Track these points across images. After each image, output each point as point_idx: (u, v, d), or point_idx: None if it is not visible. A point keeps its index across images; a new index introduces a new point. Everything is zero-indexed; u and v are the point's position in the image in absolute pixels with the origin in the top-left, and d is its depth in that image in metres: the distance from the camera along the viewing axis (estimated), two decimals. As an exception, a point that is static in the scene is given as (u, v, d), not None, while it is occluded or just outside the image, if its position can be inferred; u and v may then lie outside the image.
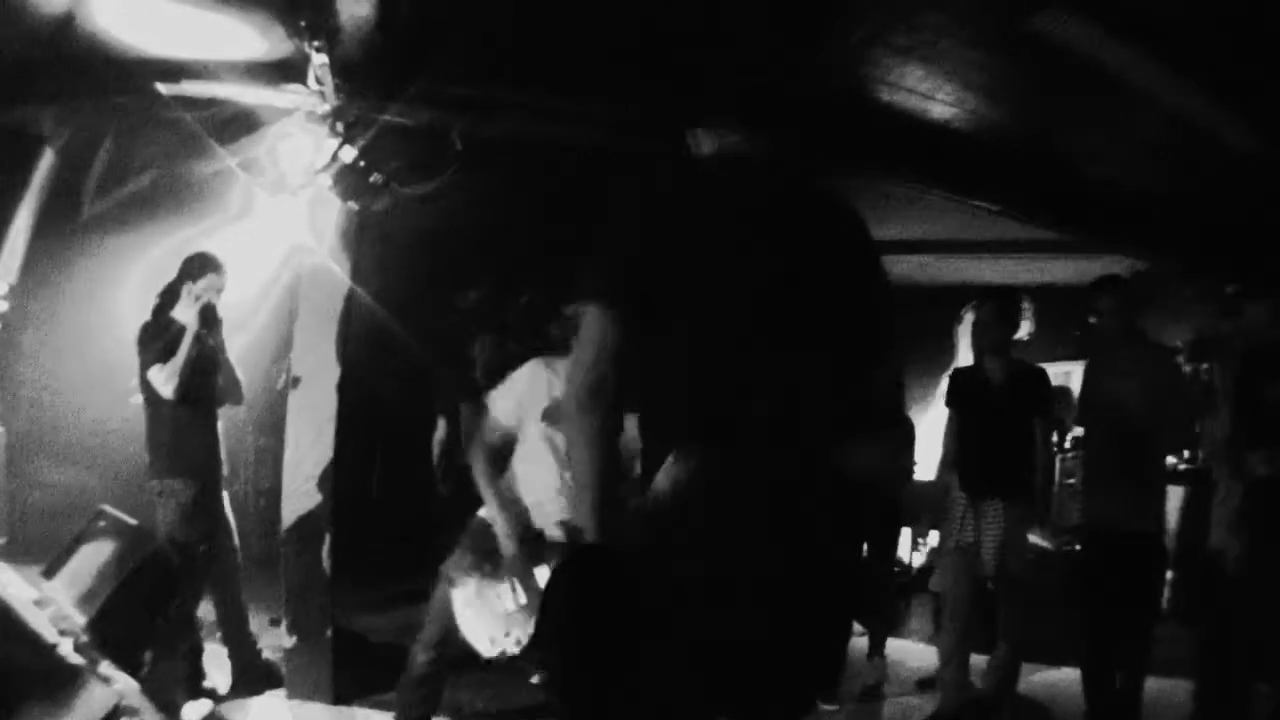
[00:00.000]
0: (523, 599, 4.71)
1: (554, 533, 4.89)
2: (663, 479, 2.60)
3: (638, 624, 2.48)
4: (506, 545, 4.77)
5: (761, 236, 2.70)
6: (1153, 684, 5.87)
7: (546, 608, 2.61)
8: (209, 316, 5.94)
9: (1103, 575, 5.80)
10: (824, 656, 2.84)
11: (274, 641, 6.32)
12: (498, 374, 5.24)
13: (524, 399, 4.96)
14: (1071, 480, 7.93)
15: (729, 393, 2.63)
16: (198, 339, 5.78)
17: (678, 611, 2.49)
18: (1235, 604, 5.53)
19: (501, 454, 5.01)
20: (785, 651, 2.66)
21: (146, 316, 5.99)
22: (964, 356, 8.97)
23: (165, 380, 5.73)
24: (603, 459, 2.53)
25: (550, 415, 4.89)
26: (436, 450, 7.54)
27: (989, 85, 6.15)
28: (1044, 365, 6.39)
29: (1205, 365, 6.72)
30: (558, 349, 4.96)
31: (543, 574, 4.70)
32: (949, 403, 6.41)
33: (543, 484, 4.91)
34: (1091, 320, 5.98)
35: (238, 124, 6.07)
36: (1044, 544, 6.90)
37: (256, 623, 6.37)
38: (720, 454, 2.58)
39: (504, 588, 4.76)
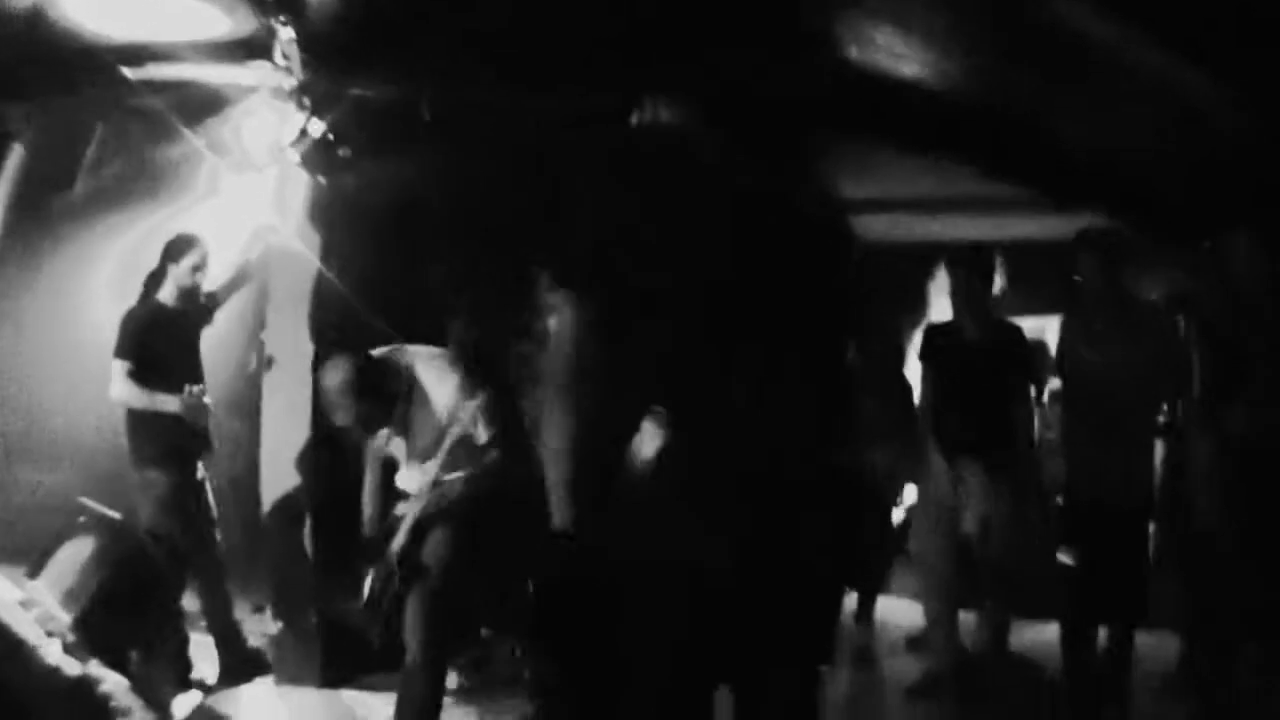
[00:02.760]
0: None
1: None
2: (638, 453, 2.55)
3: (624, 614, 2.46)
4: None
5: (729, 210, 2.64)
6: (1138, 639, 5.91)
7: (534, 617, 2.59)
8: (193, 298, 5.95)
9: (1084, 531, 5.79)
10: (820, 624, 2.82)
11: (259, 628, 6.27)
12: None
13: None
14: (1050, 434, 7.91)
15: (706, 365, 2.56)
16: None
17: (666, 593, 2.45)
18: (1213, 560, 5.55)
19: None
20: (781, 622, 2.62)
21: (122, 305, 5.93)
22: (937, 313, 9.00)
23: (120, 382, 5.71)
24: (578, 453, 2.47)
25: None
26: None
27: (962, 45, 6.10)
28: (1018, 320, 6.38)
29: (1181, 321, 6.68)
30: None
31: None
32: (922, 358, 6.36)
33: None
34: (1076, 278, 5.96)
35: (204, 105, 5.96)
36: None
37: (240, 609, 6.30)
38: (697, 424, 2.51)
39: None
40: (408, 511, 4.97)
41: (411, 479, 5.09)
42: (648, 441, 2.50)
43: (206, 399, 5.94)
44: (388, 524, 5.15)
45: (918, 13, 5.70)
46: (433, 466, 4.89)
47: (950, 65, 6.27)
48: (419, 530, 4.90)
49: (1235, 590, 5.42)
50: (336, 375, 4.99)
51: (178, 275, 5.91)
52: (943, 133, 6.95)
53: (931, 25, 5.84)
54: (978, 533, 5.91)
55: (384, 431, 5.12)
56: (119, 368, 5.73)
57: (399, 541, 4.90)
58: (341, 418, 5.05)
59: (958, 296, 6.19)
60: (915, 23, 5.80)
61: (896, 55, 6.16)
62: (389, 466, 5.28)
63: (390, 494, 5.29)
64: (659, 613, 2.47)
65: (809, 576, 2.66)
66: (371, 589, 5.05)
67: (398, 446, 5.16)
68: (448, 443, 4.87)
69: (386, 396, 4.98)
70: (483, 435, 4.88)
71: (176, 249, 5.95)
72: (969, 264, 6.21)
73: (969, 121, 6.88)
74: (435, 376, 5.05)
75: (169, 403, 5.78)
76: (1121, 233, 6.25)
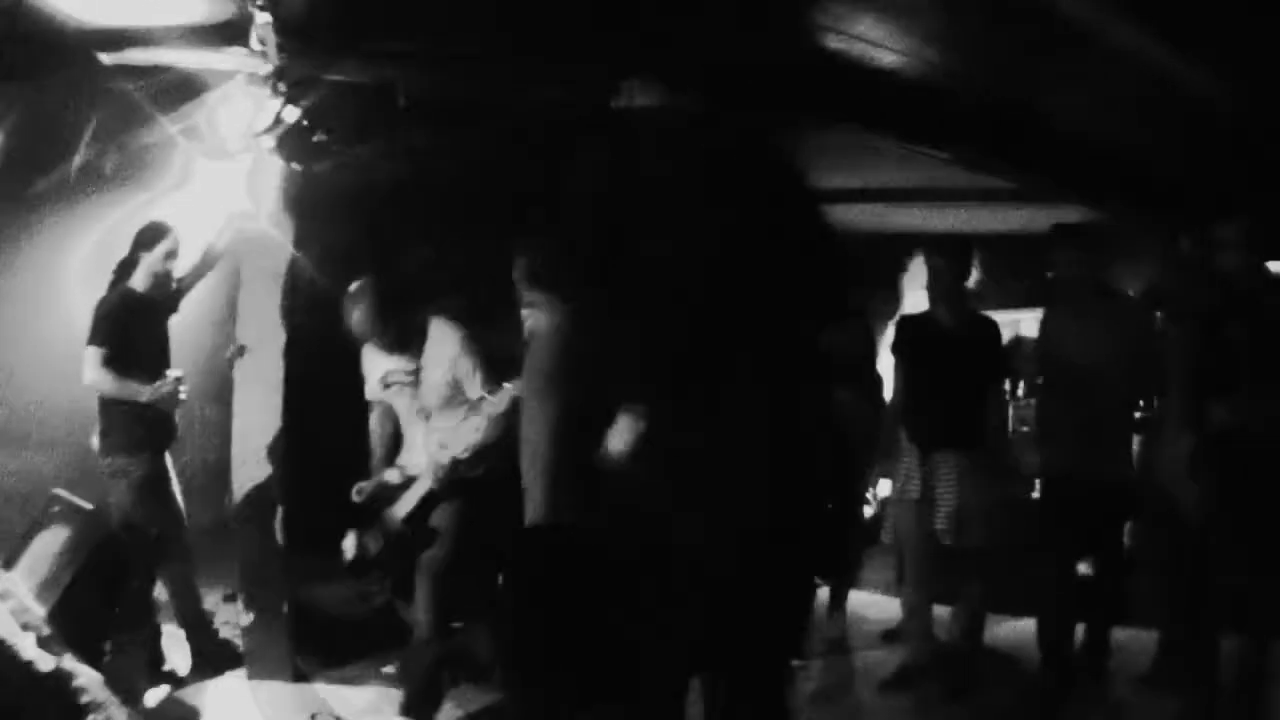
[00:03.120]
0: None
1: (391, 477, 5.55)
2: (616, 442, 2.52)
3: (595, 601, 2.47)
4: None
5: (704, 191, 2.62)
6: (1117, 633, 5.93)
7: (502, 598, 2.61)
8: (165, 285, 5.96)
9: (1062, 525, 5.80)
10: (794, 612, 2.86)
11: (230, 618, 6.22)
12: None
13: (370, 379, 5.75)
14: (1025, 428, 7.93)
15: (684, 352, 2.55)
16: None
17: (641, 580, 2.46)
18: (1196, 553, 5.56)
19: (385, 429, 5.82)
20: (756, 609, 2.63)
21: (96, 292, 5.92)
22: (910, 304, 9.00)
23: (94, 369, 5.69)
24: (561, 449, 2.49)
25: (385, 384, 5.60)
26: None
27: (942, 33, 6.06)
28: (993, 314, 6.37)
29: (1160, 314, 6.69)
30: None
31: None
32: (895, 350, 6.33)
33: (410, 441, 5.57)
34: (1050, 273, 5.97)
35: (179, 91, 5.87)
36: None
37: (211, 600, 6.25)
38: (673, 412, 2.52)
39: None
40: (418, 479, 5.24)
41: (414, 435, 5.45)
42: (622, 433, 2.49)
43: (183, 387, 5.90)
44: (380, 489, 5.47)
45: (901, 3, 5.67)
46: (439, 425, 5.19)
47: (930, 53, 6.21)
48: (431, 500, 5.15)
49: (1216, 584, 5.43)
50: (364, 294, 5.41)
51: (150, 262, 5.90)
52: (920, 122, 6.92)
53: (913, 13, 5.80)
54: (952, 526, 5.90)
55: (393, 383, 5.50)
56: (92, 354, 5.70)
57: (405, 508, 5.19)
58: (366, 334, 5.47)
59: (934, 289, 6.15)
60: (896, 10, 5.77)
61: (875, 44, 6.12)
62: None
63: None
64: (634, 603, 2.47)
65: (784, 567, 2.67)
66: (363, 551, 5.38)
67: (401, 402, 5.48)
68: (447, 396, 5.23)
69: (409, 323, 5.33)
70: (474, 391, 5.13)
71: (149, 236, 5.94)
72: (947, 256, 6.16)
73: (947, 111, 6.85)
74: (440, 334, 5.34)
75: (141, 392, 5.74)
76: (1099, 225, 6.26)
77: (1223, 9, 5.31)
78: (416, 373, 5.40)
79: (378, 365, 5.65)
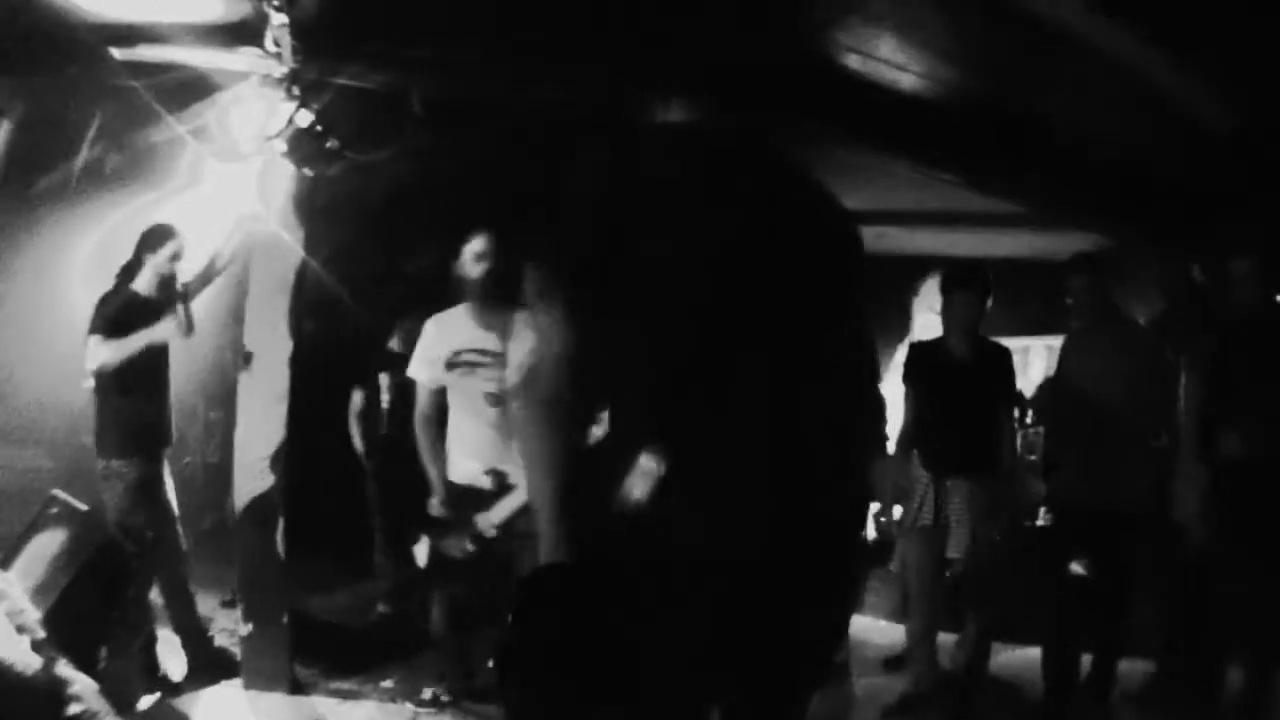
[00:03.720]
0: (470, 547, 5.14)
1: (482, 483, 5.19)
2: (633, 493, 2.46)
3: (608, 641, 2.39)
4: (434, 505, 5.30)
5: (722, 208, 2.55)
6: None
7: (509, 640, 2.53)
8: (170, 288, 5.85)
9: (1072, 555, 5.75)
10: (823, 635, 2.81)
11: (228, 624, 6.14)
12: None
13: (430, 357, 5.33)
14: (1033, 456, 7.88)
15: (697, 376, 2.48)
16: (149, 342, 5.71)
17: (661, 611, 2.39)
18: (1203, 585, 5.53)
19: (437, 420, 5.37)
20: (778, 643, 2.58)
21: (99, 290, 5.81)
22: (920, 329, 8.95)
23: (99, 354, 5.59)
24: (562, 452, 2.44)
25: (455, 363, 5.27)
26: (355, 423, 7.39)
27: (962, 56, 6.03)
28: (1001, 339, 6.32)
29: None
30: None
31: (483, 522, 5.11)
32: (907, 378, 6.27)
33: (466, 433, 5.28)
34: (1068, 300, 5.92)
35: (190, 90, 5.82)
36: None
37: (209, 605, 6.18)
38: (693, 448, 2.45)
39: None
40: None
41: (478, 427, 5.23)
42: (642, 480, 2.42)
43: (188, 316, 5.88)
44: (465, 495, 5.24)
45: (919, 22, 5.63)
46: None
47: (946, 75, 6.19)
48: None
49: (1221, 611, 5.46)
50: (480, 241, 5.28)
51: (156, 264, 5.81)
52: (936, 145, 6.89)
53: (930, 34, 5.77)
54: (963, 552, 5.84)
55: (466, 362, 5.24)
56: (94, 341, 5.61)
57: (502, 514, 5.06)
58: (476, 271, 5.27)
59: (951, 315, 6.09)
60: (917, 32, 5.73)
61: (894, 65, 6.09)
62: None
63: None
64: (657, 636, 2.40)
65: (808, 600, 2.60)
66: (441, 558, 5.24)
67: (471, 384, 5.24)
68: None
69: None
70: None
71: (154, 239, 5.85)
72: (967, 283, 6.09)
73: (964, 134, 6.82)
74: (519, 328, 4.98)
75: (152, 333, 5.70)
76: (1115, 253, 6.23)
77: (1231, 23, 5.30)
78: (494, 356, 5.20)
79: (447, 339, 5.38)
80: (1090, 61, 5.74)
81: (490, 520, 5.10)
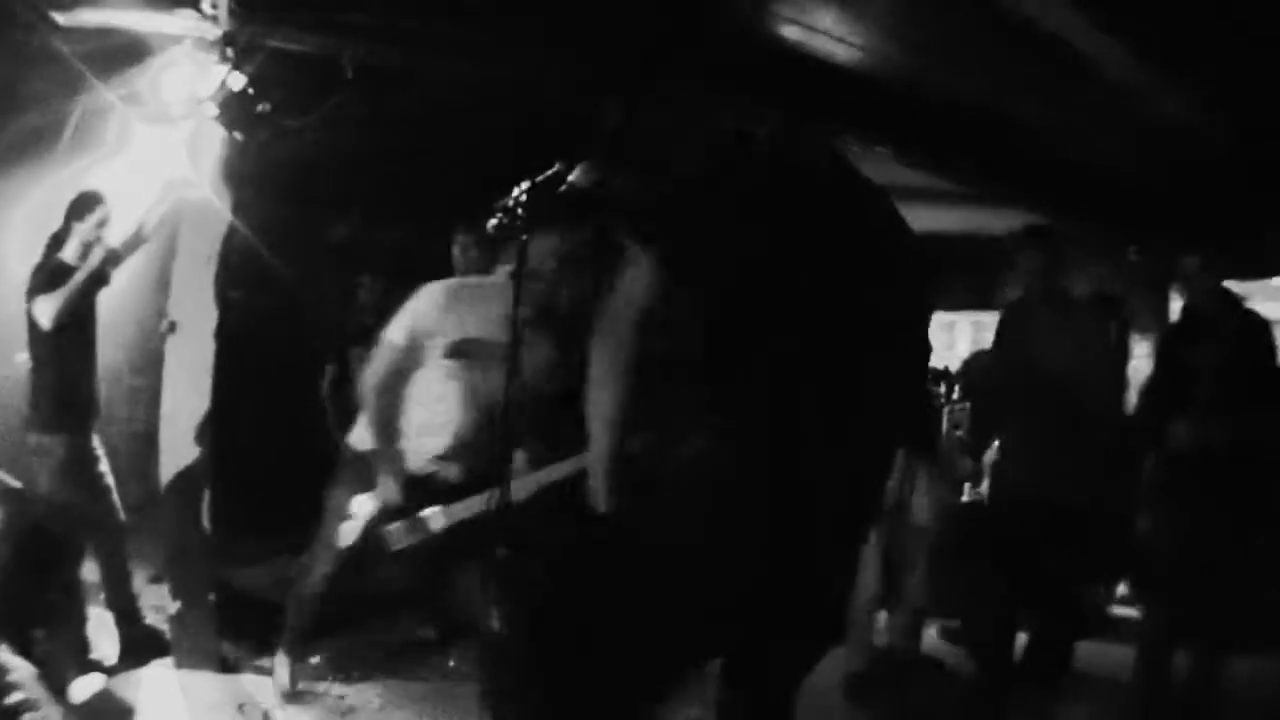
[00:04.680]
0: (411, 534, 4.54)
1: (442, 471, 4.89)
2: (679, 456, 2.47)
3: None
4: (386, 488, 4.79)
5: (799, 218, 2.57)
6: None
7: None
8: (95, 255, 5.68)
9: (1008, 540, 5.73)
10: (828, 608, 2.91)
11: (156, 601, 6.04)
12: (387, 314, 4.96)
13: (420, 328, 4.80)
14: (959, 431, 7.91)
15: (750, 362, 2.56)
16: (91, 276, 5.59)
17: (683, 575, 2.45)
18: (1156, 571, 5.65)
19: (395, 389, 4.85)
20: (795, 602, 2.66)
21: (30, 257, 5.71)
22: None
23: (48, 308, 5.45)
24: (626, 398, 2.49)
25: (459, 352, 4.77)
26: (327, 396, 7.32)
27: (904, 30, 6.01)
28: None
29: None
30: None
31: (436, 514, 4.53)
32: None
33: (437, 422, 4.87)
34: (1013, 275, 5.90)
35: (124, 54, 5.67)
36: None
37: (138, 581, 6.05)
38: (746, 432, 2.52)
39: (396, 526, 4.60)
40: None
41: (464, 417, 4.87)
42: (690, 445, 2.44)
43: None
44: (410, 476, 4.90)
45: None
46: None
47: (892, 50, 6.16)
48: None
49: (1179, 608, 5.48)
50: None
51: (82, 233, 5.67)
52: (878, 120, 6.87)
53: (874, 7, 5.74)
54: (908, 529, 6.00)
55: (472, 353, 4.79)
56: (39, 302, 5.48)
57: (459, 515, 4.60)
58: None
59: None
60: (859, 7, 5.70)
61: (835, 37, 6.04)
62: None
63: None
64: (669, 588, 2.46)
65: (826, 580, 2.74)
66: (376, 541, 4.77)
67: (472, 375, 4.82)
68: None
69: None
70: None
71: (81, 206, 5.72)
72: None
73: (907, 109, 6.81)
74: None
75: (89, 268, 5.58)
76: (1063, 231, 6.25)
77: (1189, 21, 5.31)
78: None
79: (464, 320, 4.82)
80: (1033, 42, 5.76)
81: (451, 514, 4.58)
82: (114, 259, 5.81)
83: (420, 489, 4.78)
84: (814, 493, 2.55)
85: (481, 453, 4.74)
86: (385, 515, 4.73)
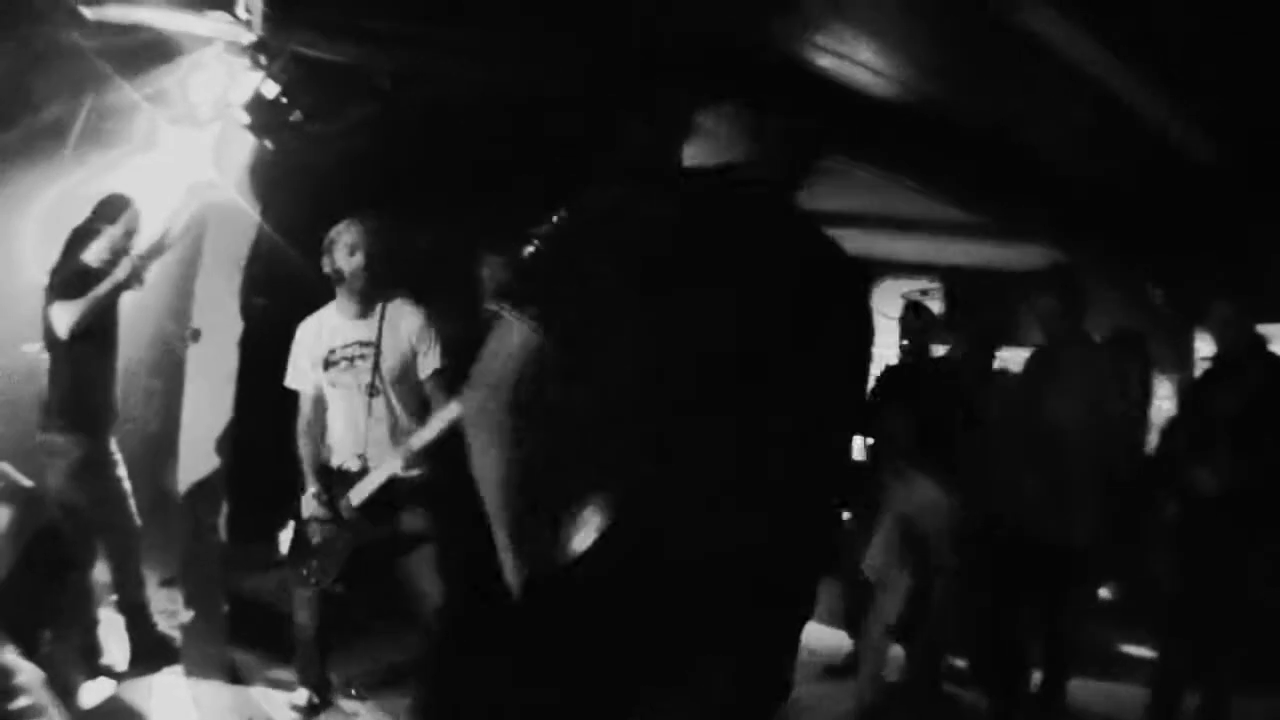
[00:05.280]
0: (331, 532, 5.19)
1: (348, 466, 5.24)
2: (573, 540, 2.39)
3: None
4: (308, 503, 5.25)
5: (726, 258, 2.47)
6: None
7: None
8: (119, 262, 5.59)
9: (1009, 578, 5.72)
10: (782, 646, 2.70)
11: (167, 605, 5.98)
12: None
13: (306, 365, 5.34)
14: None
15: (663, 435, 2.41)
16: (116, 287, 5.49)
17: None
18: (1176, 616, 5.60)
19: (315, 427, 5.38)
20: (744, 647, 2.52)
21: (49, 251, 5.64)
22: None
23: (66, 317, 5.37)
24: (513, 475, 2.35)
25: (329, 364, 5.27)
26: None
27: (938, 64, 6.00)
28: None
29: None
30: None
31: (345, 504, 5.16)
32: (880, 392, 6.59)
33: (338, 425, 5.30)
34: (1031, 314, 5.93)
35: (153, 53, 5.62)
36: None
37: (149, 585, 5.99)
38: (646, 507, 2.38)
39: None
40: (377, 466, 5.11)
41: (354, 416, 5.23)
42: (585, 530, 2.35)
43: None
44: (338, 477, 5.26)
45: (900, 29, 5.58)
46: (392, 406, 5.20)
47: (927, 85, 6.16)
48: (391, 485, 5.07)
49: (1193, 650, 5.48)
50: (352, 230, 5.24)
51: (111, 237, 5.58)
52: (900, 150, 6.86)
53: (911, 42, 5.73)
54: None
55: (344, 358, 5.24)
56: (57, 308, 5.41)
57: (363, 493, 5.11)
58: (351, 263, 5.21)
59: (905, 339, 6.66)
60: (895, 39, 5.69)
61: (872, 70, 6.03)
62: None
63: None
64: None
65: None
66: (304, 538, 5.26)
67: (346, 378, 5.25)
68: (399, 374, 5.19)
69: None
70: (429, 365, 5.21)
71: (111, 209, 5.63)
72: (921, 314, 6.73)
73: (930, 141, 6.79)
74: (399, 311, 5.28)
75: (115, 280, 5.51)
76: (1080, 271, 6.24)
77: (1217, 53, 5.33)
78: (371, 347, 5.19)
79: (322, 340, 5.34)
80: (1067, 79, 5.75)
81: (351, 500, 5.16)
82: (140, 269, 5.76)
83: (333, 483, 5.26)
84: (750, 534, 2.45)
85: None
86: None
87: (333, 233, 5.29)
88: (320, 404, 5.34)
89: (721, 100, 2.68)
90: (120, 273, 5.50)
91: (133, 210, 5.67)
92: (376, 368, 5.16)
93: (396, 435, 5.16)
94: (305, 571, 5.20)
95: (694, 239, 2.43)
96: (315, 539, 5.20)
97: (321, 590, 5.20)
